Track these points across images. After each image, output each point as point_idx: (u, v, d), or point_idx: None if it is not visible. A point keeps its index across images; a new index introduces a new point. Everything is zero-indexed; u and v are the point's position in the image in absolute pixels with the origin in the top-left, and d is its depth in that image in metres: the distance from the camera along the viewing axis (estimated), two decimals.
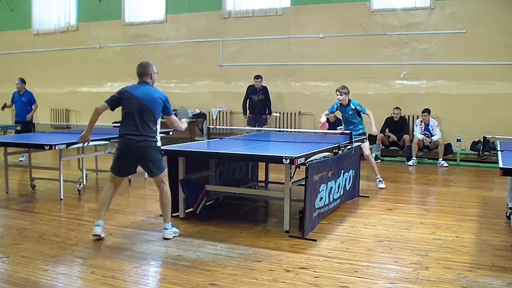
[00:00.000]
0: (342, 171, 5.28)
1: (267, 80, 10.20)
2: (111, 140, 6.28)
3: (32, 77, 13.00)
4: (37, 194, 6.35)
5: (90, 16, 12.75)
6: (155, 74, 4.36)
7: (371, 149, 9.54)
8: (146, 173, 5.31)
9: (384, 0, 9.99)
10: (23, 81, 9.23)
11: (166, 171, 4.31)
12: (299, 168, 4.34)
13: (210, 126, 10.28)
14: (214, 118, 11.39)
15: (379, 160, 9.44)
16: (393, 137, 9.46)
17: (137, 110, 4.16)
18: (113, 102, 4.27)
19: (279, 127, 10.41)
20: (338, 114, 7.76)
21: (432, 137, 9.22)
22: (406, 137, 9.37)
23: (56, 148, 5.52)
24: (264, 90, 10.07)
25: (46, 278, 3.38)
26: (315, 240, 4.24)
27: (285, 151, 4.72)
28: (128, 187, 6.73)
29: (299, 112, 10.65)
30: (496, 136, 7.04)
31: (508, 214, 5.01)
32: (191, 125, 11.18)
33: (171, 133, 7.38)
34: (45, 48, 13.28)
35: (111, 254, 3.89)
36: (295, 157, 4.15)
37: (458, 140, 9.21)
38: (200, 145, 5.92)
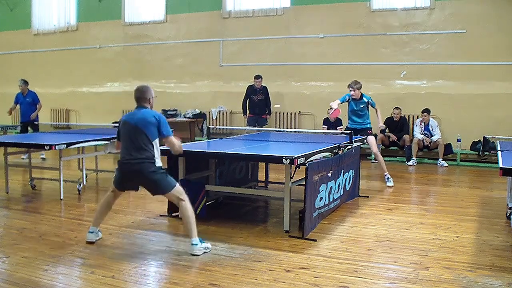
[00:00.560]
0: (342, 171, 5.28)
1: (267, 80, 10.21)
2: (111, 140, 6.28)
3: (32, 77, 12.98)
4: (37, 194, 6.35)
5: (90, 16, 12.75)
6: (154, 98, 4.17)
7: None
8: None
9: (384, 0, 9.99)
10: (25, 82, 9.19)
11: (178, 186, 4.05)
12: (299, 168, 4.34)
13: (210, 126, 10.28)
14: (214, 118, 11.39)
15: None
16: (393, 137, 9.46)
17: (131, 134, 3.98)
18: (119, 134, 4.16)
19: (279, 127, 10.41)
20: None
21: (432, 137, 9.22)
22: (406, 137, 9.37)
23: (56, 148, 5.52)
24: (264, 90, 10.08)
25: (46, 278, 3.38)
26: (315, 240, 4.24)
27: (285, 151, 4.72)
28: None
29: (299, 112, 10.65)
30: (496, 136, 7.04)
31: (508, 214, 5.01)
32: (191, 125, 11.19)
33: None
34: (45, 48, 13.28)
35: (111, 254, 3.89)
36: (295, 157, 4.15)
37: (458, 140, 9.21)
38: (200, 145, 5.92)
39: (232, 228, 4.65)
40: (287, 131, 9.07)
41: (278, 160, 4.30)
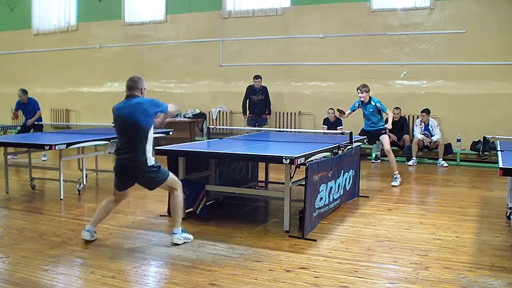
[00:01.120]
0: (342, 171, 5.28)
1: (267, 80, 10.21)
2: (111, 140, 6.28)
3: (32, 77, 13.07)
4: (37, 194, 6.35)
5: (90, 16, 12.75)
6: (145, 90, 4.12)
7: (371, 149, 9.59)
8: None
9: (384, 0, 9.99)
10: (25, 92, 8.93)
11: (170, 177, 4.11)
12: (299, 168, 4.34)
13: (210, 126, 10.27)
14: (214, 118, 11.40)
15: (379, 160, 9.46)
16: (393, 137, 9.45)
17: (121, 127, 3.98)
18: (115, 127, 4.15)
19: (279, 127, 10.41)
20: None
21: (432, 137, 9.22)
22: (406, 137, 9.37)
23: (56, 148, 5.52)
24: (264, 90, 10.08)
25: (46, 278, 3.38)
26: (315, 240, 4.24)
27: (285, 151, 4.72)
28: None
29: (299, 112, 10.65)
30: (496, 136, 7.03)
31: (508, 214, 5.01)
32: (191, 125, 11.19)
33: (171, 133, 7.39)
34: (45, 48, 13.28)
35: (111, 254, 3.89)
36: (295, 157, 4.15)
37: (458, 140, 9.21)
38: (200, 145, 5.92)
39: (232, 228, 4.65)
40: (287, 131, 9.07)
41: (278, 160, 4.30)
